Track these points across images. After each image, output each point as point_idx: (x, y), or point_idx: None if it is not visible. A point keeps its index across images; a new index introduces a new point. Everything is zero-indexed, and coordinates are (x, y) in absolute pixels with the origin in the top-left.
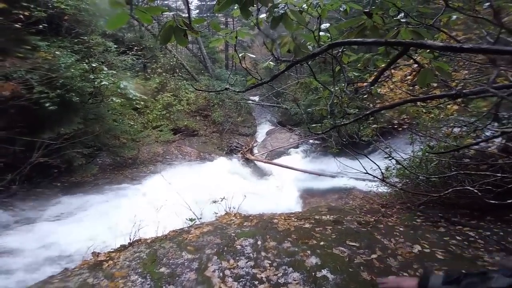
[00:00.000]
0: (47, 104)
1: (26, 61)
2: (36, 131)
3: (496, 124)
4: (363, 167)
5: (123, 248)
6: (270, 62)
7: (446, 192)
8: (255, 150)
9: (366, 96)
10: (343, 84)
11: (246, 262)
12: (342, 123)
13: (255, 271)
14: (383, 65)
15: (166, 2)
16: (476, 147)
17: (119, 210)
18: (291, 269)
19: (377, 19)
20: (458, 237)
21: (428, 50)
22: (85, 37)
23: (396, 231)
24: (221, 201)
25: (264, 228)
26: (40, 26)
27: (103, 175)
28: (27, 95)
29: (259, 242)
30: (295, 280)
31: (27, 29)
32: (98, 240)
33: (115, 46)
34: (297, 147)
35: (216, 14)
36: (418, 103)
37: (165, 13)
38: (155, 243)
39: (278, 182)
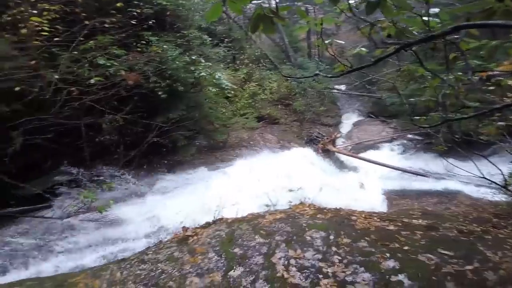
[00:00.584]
0: (160, 93)
1: (143, 54)
2: (152, 116)
3: None
4: (479, 170)
5: (207, 225)
6: (362, 49)
7: None
8: (339, 142)
9: (493, 88)
10: (459, 73)
11: (314, 255)
12: (456, 117)
13: (322, 264)
14: None
15: None
16: None
17: (209, 189)
18: (362, 268)
19: (509, 3)
20: None
21: None
22: (185, 31)
23: (508, 244)
24: (297, 190)
25: (339, 223)
26: (150, 22)
27: (199, 156)
28: (145, 84)
29: (331, 237)
30: (364, 280)
31: (141, 25)
32: (189, 216)
33: (210, 39)
34: (390, 141)
35: (296, 2)
36: None
37: (251, 4)
38: (234, 223)
39: (361, 178)
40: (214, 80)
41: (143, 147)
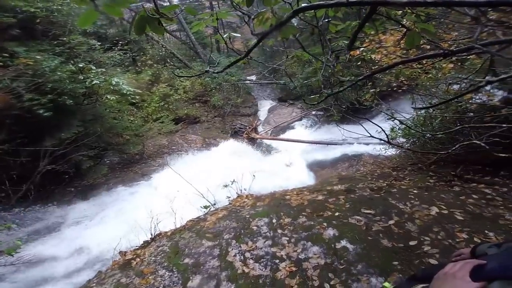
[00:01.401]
0: (40, 111)
1: (8, 69)
2: (37, 140)
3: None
4: (367, 131)
5: (146, 244)
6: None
7: (454, 148)
8: (260, 128)
9: (359, 63)
10: (331, 53)
11: (264, 242)
12: (336, 90)
13: (274, 249)
14: (372, 32)
15: None
16: (478, 100)
17: (135, 206)
18: (309, 243)
19: None
20: (474, 196)
21: (414, 14)
22: (64, 38)
23: (411, 194)
24: (232, 184)
25: (277, 205)
26: (13, 32)
27: (114, 175)
28: (18, 104)
29: (274, 220)
30: (315, 254)
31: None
32: (122, 239)
33: (99, 43)
34: (300, 120)
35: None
36: (414, 64)
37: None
38: (175, 235)
39: (287, 158)
40: (111, 87)
41: (36, 179)
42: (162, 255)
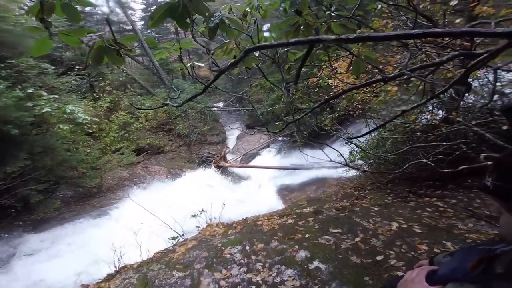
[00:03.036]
0: None
1: None
2: None
3: (434, 99)
4: (327, 155)
5: (110, 277)
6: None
7: (405, 167)
8: (229, 157)
9: (316, 90)
10: (290, 83)
11: (239, 269)
12: (294, 118)
13: (250, 276)
14: (326, 59)
15: (106, 15)
16: (423, 120)
17: (95, 240)
18: (283, 267)
19: (308, 18)
20: (428, 209)
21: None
22: (13, 60)
23: (372, 211)
24: (201, 214)
25: (249, 232)
26: None
27: (68, 208)
28: None
29: (247, 247)
30: (290, 277)
31: None
32: (83, 273)
33: (53, 67)
34: (268, 146)
35: (165, 24)
36: (365, 89)
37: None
38: (142, 267)
39: (257, 184)
40: (65, 115)
41: None
42: (130, 287)
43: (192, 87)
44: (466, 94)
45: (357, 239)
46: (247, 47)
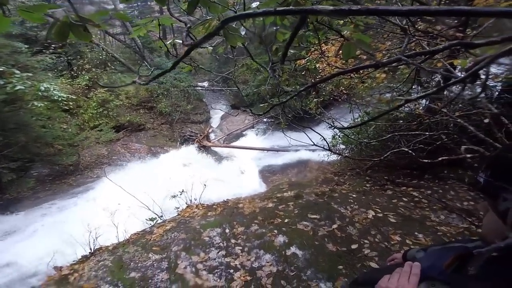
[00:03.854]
0: None
1: None
2: None
3: (419, 87)
4: (310, 138)
5: (85, 258)
6: (209, 47)
7: (386, 155)
8: (212, 136)
9: (303, 72)
10: (276, 63)
11: (218, 252)
12: (280, 101)
13: (228, 259)
14: (316, 41)
15: None
16: (407, 109)
17: (70, 220)
18: (262, 251)
19: None
20: (404, 199)
21: (353, 24)
22: None
23: (350, 198)
24: (181, 194)
25: (230, 214)
26: None
27: (43, 187)
28: None
29: (227, 230)
30: (268, 262)
31: None
32: (56, 254)
33: (27, 46)
34: (252, 127)
35: (149, 2)
36: (352, 74)
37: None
38: (117, 249)
39: (239, 165)
40: (40, 93)
41: None
42: (104, 269)
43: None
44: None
45: (334, 226)
46: (230, 17)
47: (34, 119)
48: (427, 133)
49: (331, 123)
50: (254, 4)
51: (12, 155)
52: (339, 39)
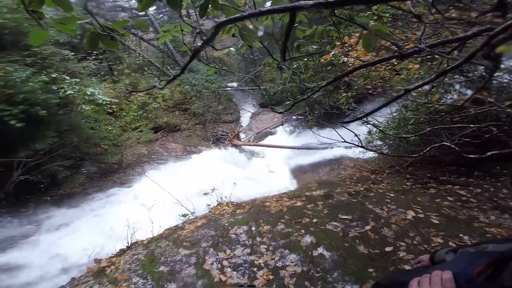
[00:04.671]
0: (12, 122)
1: None
2: (10, 151)
3: (461, 77)
4: (340, 136)
5: (122, 252)
6: (231, 49)
7: (426, 150)
8: (242, 135)
9: (328, 68)
10: (305, 59)
11: (243, 250)
12: (303, 97)
13: (253, 258)
14: (337, 35)
15: (118, 3)
16: (449, 101)
17: (113, 215)
18: (287, 251)
19: None
20: (449, 198)
21: (375, 16)
22: (36, 49)
23: (387, 197)
24: (212, 192)
25: (256, 213)
26: None
27: (92, 184)
28: None
29: (253, 228)
30: (292, 262)
31: None
32: (98, 247)
33: (73, 53)
34: (282, 125)
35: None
36: (384, 66)
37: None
38: (151, 243)
39: (269, 163)
40: (86, 97)
41: (9, 188)
42: (137, 263)
43: (206, 68)
44: (501, 73)
45: (367, 227)
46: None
47: (83, 121)
48: (473, 125)
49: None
50: (268, 3)
51: (66, 154)
52: (363, 32)
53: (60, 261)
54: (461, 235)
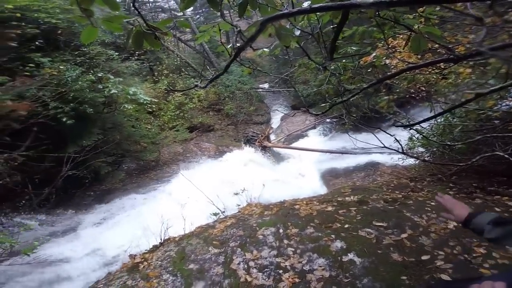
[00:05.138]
0: (64, 119)
1: (34, 78)
2: (61, 146)
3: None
4: (380, 140)
5: (155, 248)
6: (265, 49)
7: (475, 159)
8: (272, 137)
9: (369, 70)
10: (344, 60)
11: (269, 252)
12: (341, 100)
13: (279, 260)
14: (381, 37)
15: (158, 3)
16: (504, 107)
17: (149, 211)
18: (315, 255)
19: None
20: (497, 208)
21: (422, 18)
22: (85, 49)
23: (428, 206)
24: (242, 192)
25: (285, 215)
26: (37, 43)
27: (131, 180)
28: (43, 112)
29: (281, 230)
30: (320, 266)
31: (25, 46)
32: (134, 242)
33: (117, 53)
34: (314, 128)
35: (211, 9)
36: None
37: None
38: (182, 240)
39: (299, 166)
40: (129, 96)
41: (58, 183)
42: (168, 259)
43: (239, 69)
44: None
45: (404, 235)
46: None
47: (126, 119)
48: None
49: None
50: (306, 3)
51: (109, 151)
52: (409, 33)
53: (99, 256)
54: (506, 246)
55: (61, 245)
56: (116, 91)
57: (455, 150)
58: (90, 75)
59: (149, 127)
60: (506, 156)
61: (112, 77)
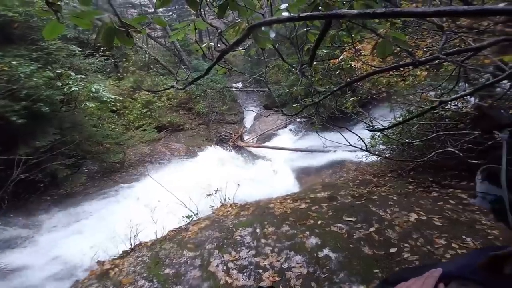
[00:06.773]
0: (13, 118)
1: None
2: (10, 148)
3: (466, 85)
4: (346, 139)
5: (125, 254)
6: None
7: (430, 155)
8: (245, 136)
9: (337, 72)
10: (305, 65)
11: (248, 252)
12: (313, 101)
13: (258, 259)
14: (349, 41)
15: None
16: (453, 107)
17: (115, 216)
18: (292, 252)
19: None
20: (451, 201)
21: (388, 23)
22: (43, 43)
23: (390, 200)
24: (215, 193)
25: (261, 214)
26: None
27: (93, 183)
28: None
29: (257, 230)
30: (298, 264)
31: None
32: (100, 249)
33: (80, 49)
34: (285, 127)
35: (185, 6)
36: (391, 72)
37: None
38: (155, 245)
39: (272, 165)
40: (91, 94)
41: (9, 187)
42: (142, 265)
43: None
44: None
45: (372, 229)
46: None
47: (86, 118)
48: (476, 132)
49: (369, 123)
50: (283, 6)
51: (67, 153)
52: (374, 37)
53: (61, 263)
54: (463, 236)
55: (19, 252)
56: (77, 89)
57: (413, 147)
58: (48, 72)
59: (112, 126)
60: (456, 151)
61: (73, 74)
